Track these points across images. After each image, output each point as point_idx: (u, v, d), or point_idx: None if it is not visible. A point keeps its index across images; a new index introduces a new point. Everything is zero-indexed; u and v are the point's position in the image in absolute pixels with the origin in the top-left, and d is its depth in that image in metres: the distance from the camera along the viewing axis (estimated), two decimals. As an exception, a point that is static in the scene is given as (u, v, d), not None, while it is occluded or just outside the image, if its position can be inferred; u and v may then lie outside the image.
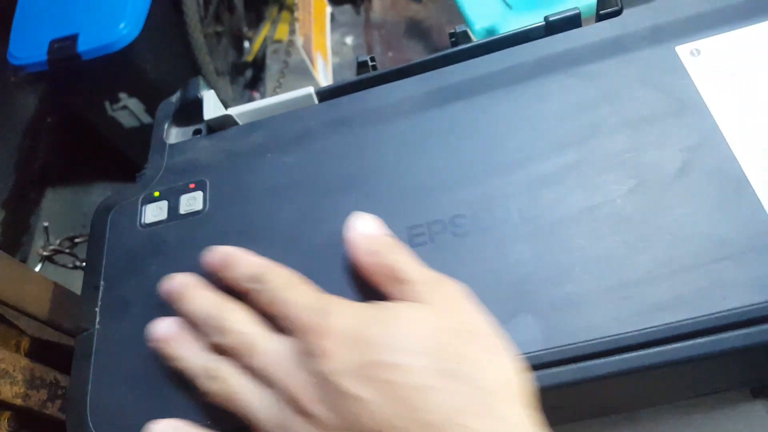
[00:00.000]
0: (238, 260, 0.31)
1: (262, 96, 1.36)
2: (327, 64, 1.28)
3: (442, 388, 0.24)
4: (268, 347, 0.28)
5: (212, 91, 0.40)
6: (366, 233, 0.30)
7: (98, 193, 1.31)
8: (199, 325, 0.30)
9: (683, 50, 0.34)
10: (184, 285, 0.31)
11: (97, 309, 0.34)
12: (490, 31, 1.03)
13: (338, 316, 0.27)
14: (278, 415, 0.27)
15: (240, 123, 0.40)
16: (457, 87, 0.36)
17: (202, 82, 0.41)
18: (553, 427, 0.35)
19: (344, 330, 0.26)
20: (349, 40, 1.63)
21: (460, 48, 0.38)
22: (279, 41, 1.53)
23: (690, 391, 0.34)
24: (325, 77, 1.20)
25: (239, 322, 0.29)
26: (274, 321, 0.29)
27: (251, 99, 1.37)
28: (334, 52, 1.54)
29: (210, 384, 0.29)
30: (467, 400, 0.24)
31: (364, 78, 0.39)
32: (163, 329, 0.31)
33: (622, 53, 0.35)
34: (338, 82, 0.40)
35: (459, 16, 1.09)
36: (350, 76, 0.40)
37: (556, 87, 0.35)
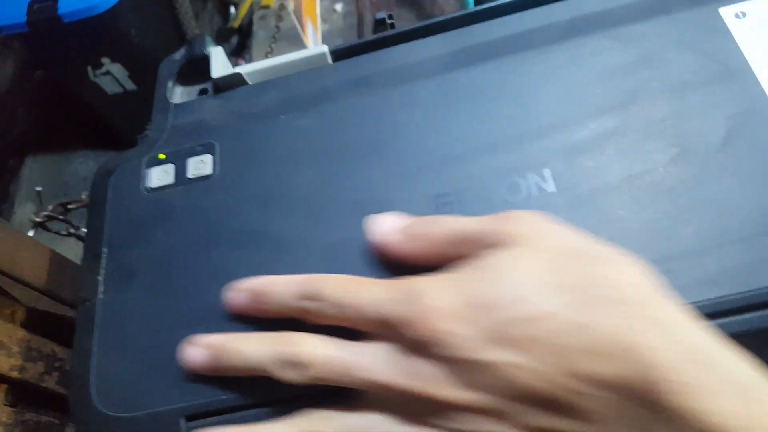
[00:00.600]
0: (270, 287, 0.28)
1: (248, 63, 1.33)
2: (317, 31, 1.24)
3: (591, 321, 0.22)
4: (364, 362, 0.24)
5: (220, 48, 0.38)
6: (391, 228, 0.28)
7: (79, 162, 1.27)
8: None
9: (727, 12, 0.32)
10: (219, 347, 0.27)
11: (100, 278, 0.32)
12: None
13: (429, 294, 0.24)
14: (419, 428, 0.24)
15: (250, 82, 0.38)
16: (484, 46, 0.34)
17: (208, 38, 0.38)
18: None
19: (448, 305, 0.23)
20: (338, 6, 1.59)
21: (486, 6, 0.36)
22: (266, 7, 1.48)
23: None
24: (315, 44, 1.17)
25: (316, 350, 0.25)
26: (351, 330, 0.26)
27: (236, 66, 1.34)
28: (324, 20, 1.50)
29: None
30: (624, 321, 0.21)
31: (383, 37, 0.37)
32: None
33: (662, 14, 0.33)
34: (354, 41, 0.37)
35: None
36: (340, 43, 0.38)
37: (592, 48, 0.33)
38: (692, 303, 0.26)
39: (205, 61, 0.38)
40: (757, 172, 0.28)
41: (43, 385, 0.36)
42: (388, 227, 0.28)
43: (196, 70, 0.38)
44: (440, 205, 0.30)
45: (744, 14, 0.32)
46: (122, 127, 1.18)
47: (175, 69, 0.39)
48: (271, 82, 0.37)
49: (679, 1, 0.33)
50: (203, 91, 0.38)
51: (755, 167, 0.28)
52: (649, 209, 0.28)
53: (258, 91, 0.37)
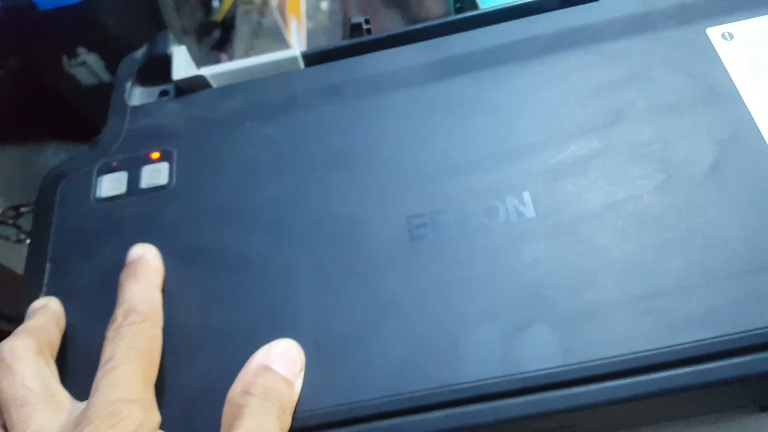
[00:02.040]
0: None
1: (230, 58, 1.30)
2: (301, 28, 1.22)
3: None
4: None
5: (183, 47, 0.35)
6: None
7: (51, 154, 1.23)
8: None
9: (714, 33, 0.31)
10: None
11: (41, 295, 0.30)
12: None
13: None
14: None
15: (214, 85, 0.35)
16: (463, 58, 0.32)
17: (171, 36, 0.36)
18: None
19: None
20: (324, 4, 1.57)
21: (467, 15, 0.34)
22: (250, 2, 1.46)
23: (705, 408, 0.31)
24: (298, 42, 1.14)
25: None
26: None
27: (218, 60, 1.31)
28: (309, 17, 1.47)
29: None
30: None
31: (358, 42, 0.35)
32: None
33: (648, 31, 0.31)
34: (328, 46, 0.35)
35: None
36: (325, 42, 0.36)
37: (574, 64, 0.31)
38: (678, 345, 0.24)
39: (167, 60, 0.35)
40: (745, 202, 0.26)
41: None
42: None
43: (157, 70, 0.36)
44: (413, 228, 0.28)
45: (731, 35, 0.30)
46: (97, 119, 1.14)
47: (135, 68, 0.36)
48: (237, 86, 0.34)
49: (665, 19, 0.31)
50: (164, 93, 0.36)
51: (743, 197, 0.26)
52: (633, 240, 0.26)
53: (222, 96, 0.34)
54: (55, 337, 0.28)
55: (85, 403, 0.24)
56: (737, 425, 0.33)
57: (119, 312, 0.26)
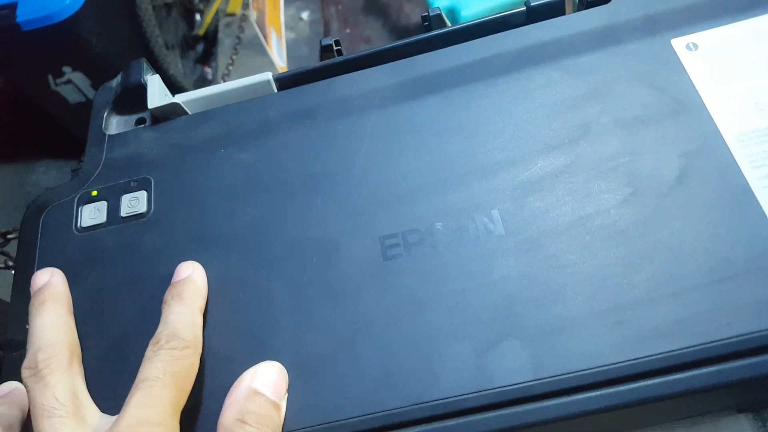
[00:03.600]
0: None
1: (214, 71, 1.30)
2: (281, 40, 1.22)
3: None
4: None
5: (157, 76, 0.36)
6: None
7: (41, 171, 1.24)
8: None
9: (679, 44, 0.31)
10: None
11: (28, 326, 0.30)
12: (450, 10, 0.99)
13: None
14: None
15: (189, 112, 0.36)
16: (432, 78, 0.33)
17: (145, 65, 0.36)
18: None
19: None
20: (305, 15, 1.57)
21: (434, 33, 0.35)
22: (232, 14, 1.46)
23: (679, 414, 0.32)
24: (279, 54, 1.15)
25: None
26: None
27: (203, 74, 1.31)
28: (290, 28, 1.47)
29: None
30: None
31: (329, 64, 0.35)
32: None
33: (612, 45, 0.32)
34: (300, 69, 0.36)
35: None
36: (306, 52, 0.36)
37: (540, 81, 0.31)
38: (646, 357, 0.24)
39: (142, 89, 0.36)
40: (711, 214, 0.27)
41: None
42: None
43: (132, 98, 0.36)
44: (386, 248, 0.29)
45: (696, 46, 0.31)
46: (85, 137, 1.15)
47: (111, 97, 0.37)
48: (211, 112, 0.35)
49: (630, 32, 0.32)
50: (140, 121, 0.36)
51: (709, 208, 0.27)
52: (601, 254, 0.27)
53: (197, 122, 0.35)
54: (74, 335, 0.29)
55: (111, 418, 0.26)
56: (715, 427, 0.34)
57: (163, 335, 0.27)
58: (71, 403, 0.26)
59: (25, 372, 0.27)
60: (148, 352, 0.26)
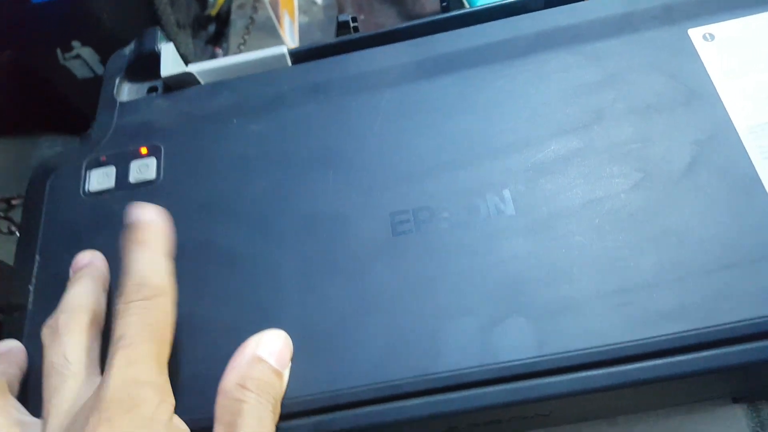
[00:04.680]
0: None
1: (225, 52, 1.30)
2: (294, 24, 1.22)
3: None
4: None
5: (171, 45, 0.36)
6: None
7: (46, 146, 1.24)
8: None
9: (696, 34, 0.31)
10: None
11: (30, 287, 0.30)
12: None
13: None
14: None
15: (202, 82, 0.36)
16: (447, 57, 0.33)
17: (159, 33, 0.36)
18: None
19: None
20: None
21: (452, 14, 0.35)
22: (244, -4, 1.45)
23: (677, 399, 0.32)
24: (291, 37, 1.15)
25: None
26: None
27: (214, 55, 1.31)
28: (303, 11, 1.47)
29: None
30: None
31: (345, 40, 0.35)
32: None
33: (630, 33, 0.32)
34: (315, 43, 0.36)
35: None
36: (319, 37, 0.36)
37: (556, 65, 0.31)
38: (649, 338, 0.25)
39: (155, 57, 0.36)
40: (720, 202, 0.27)
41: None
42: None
43: (145, 66, 0.36)
44: (396, 224, 0.29)
45: (712, 36, 0.31)
46: (91, 112, 1.15)
47: (124, 64, 0.37)
48: (224, 83, 0.35)
49: (647, 20, 0.32)
50: (152, 89, 0.36)
51: (718, 197, 0.27)
52: (609, 237, 0.27)
53: (210, 92, 0.35)
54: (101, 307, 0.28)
55: None
56: (710, 416, 0.34)
57: (129, 284, 0.25)
58: (80, 363, 0.26)
59: (44, 330, 0.27)
60: (119, 306, 0.25)
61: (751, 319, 0.25)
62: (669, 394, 0.29)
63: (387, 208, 0.29)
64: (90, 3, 1.09)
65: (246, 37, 1.19)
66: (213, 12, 1.43)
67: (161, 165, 0.32)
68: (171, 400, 0.24)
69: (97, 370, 0.26)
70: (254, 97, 0.34)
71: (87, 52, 1.17)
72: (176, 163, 0.32)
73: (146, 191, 0.32)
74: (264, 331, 0.27)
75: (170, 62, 0.35)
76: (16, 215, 0.51)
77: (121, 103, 0.35)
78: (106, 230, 0.31)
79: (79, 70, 1.22)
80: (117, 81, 0.36)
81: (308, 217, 0.29)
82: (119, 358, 0.24)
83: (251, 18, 1.19)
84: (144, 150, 0.33)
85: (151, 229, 0.27)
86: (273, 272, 0.29)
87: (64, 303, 0.27)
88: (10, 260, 0.36)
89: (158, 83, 0.36)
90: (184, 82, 0.35)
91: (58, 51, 1.18)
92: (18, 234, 0.37)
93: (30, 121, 1.29)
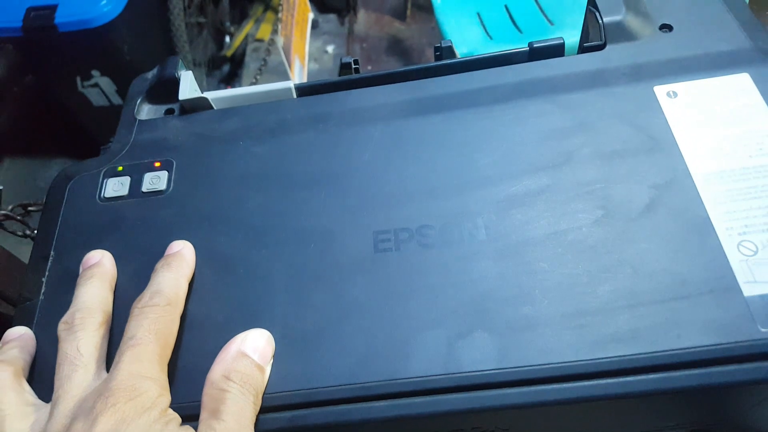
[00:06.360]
0: None
1: (238, 92, 1.35)
2: (303, 68, 1.28)
3: None
4: None
5: (190, 72, 0.39)
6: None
7: (57, 168, 1.28)
8: None
9: (661, 91, 0.35)
10: None
11: (43, 279, 0.33)
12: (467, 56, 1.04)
13: None
14: None
15: (215, 107, 0.39)
16: (437, 99, 0.36)
17: (180, 61, 0.40)
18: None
19: None
20: (330, 48, 1.63)
21: (444, 62, 0.39)
22: (260, 40, 1.52)
23: (634, 426, 0.34)
24: (300, 80, 1.20)
25: None
26: None
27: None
28: (315, 59, 1.53)
29: None
30: None
31: (346, 79, 0.39)
32: None
33: (602, 86, 0.35)
34: (319, 81, 0.39)
35: (440, 39, 1.10)
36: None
37: (534, 111, 0.35)
38: (601, 359, 0.27)
39: (175, 82, 0.39)
40: (673, 240, 0.30)
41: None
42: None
43: (165, 90, 0.40)
44: (378, 242, 0.32)
45: (675, 94, 0.34)
46: (104, 140, 1.19)
47: (146, 87, 0.40)
48: (235, 109, 0.39)
49: (618, 76, 0.35)
50: (169, 111, 0.40)
51: (671, 235, 0.30)
52: (570, 265, 0.30)
53: (221, 116, 0.38)
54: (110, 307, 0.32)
55: None
56: (669, 451, 0.36)
57: (147, 292, 0.30)
58: (91, 357, 0.29)
59: (61, 326, 0.30)
60: (134, 310, 0.29)
61: (696, 347, 0.27)
62: (625, 418, 0.31)
63: (371, 227, 0.32)
64: (113, 35, 1.14)
65: (258, 77, 1.25)
66: (228, 53, 1.49)
67: (172, 178, 0.36)
68: (168, 395, 0.28)
69: (104, 365, 0.30)
70: (260, 122, 0.37)
71: (105, 82, 1.22)
72: (185, 176, 0.36)
73: (156, 200, 0.35)
74: (249, 330, 0.29)
75: (188, 87, 0.39)
76: (32, 222, 0.54)
77: (140, 121, 0.39)
78: (117, 233, 0.34)
79: (96, 98, 1.26)
80: (138, 101, 0.40)
81: (300, 231, 0.32)
82: (128, 355, 0.27)
83: (264, 60, 1.25)
84: (157, 163, 0.36)
85: (180, 257, 0.32)
86: (264, 278, 0.31)
87: (79, 302, 0.31)
88: (24, 260, 0.39)
89: (175, 105, 0.40)
90: (198, 106, 0.39)
91: (78, 79, 1.23)
92: (32, 238, 0.40)
93: (45, 142, 1.33)
